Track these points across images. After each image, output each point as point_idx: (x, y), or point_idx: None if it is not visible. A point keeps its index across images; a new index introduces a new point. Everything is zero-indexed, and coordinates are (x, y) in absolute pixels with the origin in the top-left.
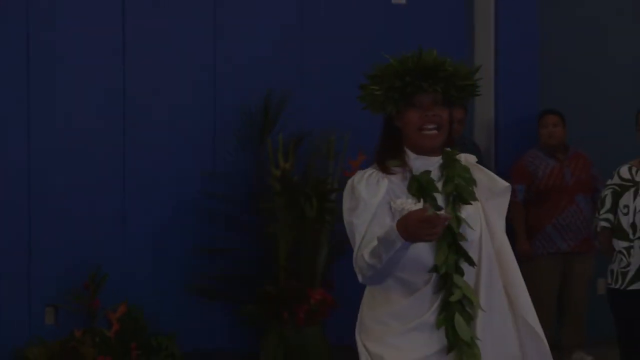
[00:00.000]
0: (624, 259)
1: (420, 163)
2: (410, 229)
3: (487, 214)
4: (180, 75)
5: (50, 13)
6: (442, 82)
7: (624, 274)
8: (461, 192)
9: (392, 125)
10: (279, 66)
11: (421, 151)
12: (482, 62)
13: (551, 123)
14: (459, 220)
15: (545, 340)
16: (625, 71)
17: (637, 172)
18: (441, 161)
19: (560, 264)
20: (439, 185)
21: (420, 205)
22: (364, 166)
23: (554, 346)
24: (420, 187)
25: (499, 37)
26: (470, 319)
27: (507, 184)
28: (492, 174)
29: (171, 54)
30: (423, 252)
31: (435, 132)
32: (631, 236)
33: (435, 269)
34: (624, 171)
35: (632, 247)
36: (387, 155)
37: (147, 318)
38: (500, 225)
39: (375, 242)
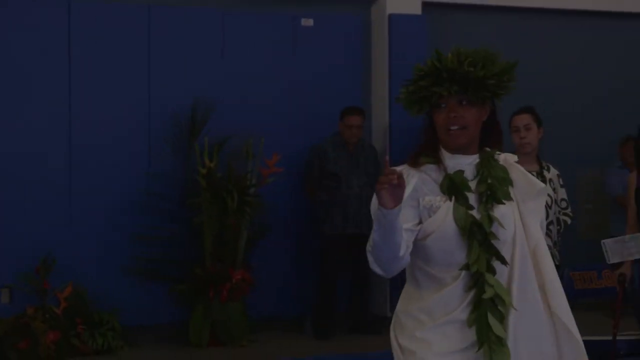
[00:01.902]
0: None
1: (455, 162)
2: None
3: (523, 214)
4: (118, 89)
5: None
6: (458, 84)
7: None
8: (495, 192)
9: (431, 125)
10: (204, 79)
11: (454, 150)
12: (378, 74)
13: None
14: (490, 219)
15: (580, 340)
16: (520, 89)
17: None
18: (478, 160)
19: None
20: (473, 184)
21: (450, 203)
22: (278, 165)
23: None
24: (451, 185)
25: (392, 53)
26: (502, 317)
27: (543, 185)
28: (529, 175)
29: (111, 70)
30: (454, 248)
31: (459, 131)
32: None
33: (466, 266)
34: None
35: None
36: (422, 152)
37: (91, 297)
38: (536, 226)
39: None
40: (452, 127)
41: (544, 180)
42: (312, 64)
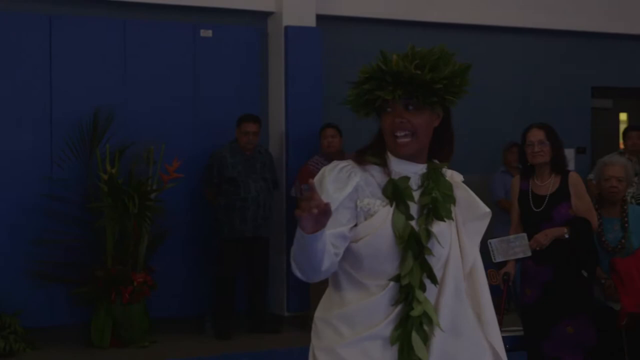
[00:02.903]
0: None
1: (401, 168)
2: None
3: (461, 234)
4: (20, 96)
5: None
6: (403, 88)
7: None
8: (437, 207)
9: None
10: (107, 86)
11: (400, 156)
12: (275, 84)
13: (330, 135)
14: (428, 234)
15: None
16: None
17: None
18: (424, 170)
19: None
20: (416, 194)
21: (390, 209)
22: (178, 171)
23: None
24: (395, 190)
25: (288, 63)
26: (426, 338)
27: (488, 209)
28: (474, 196)
29: (13, 78)
30: (385, 256)
31: (407, 139)
32: None
33: (397, 278)
34: None
35: None
36: (369, 151)
37: None
38: (474, 248)
39: None
40: (399, 133)
41: None
42: (211, 73)
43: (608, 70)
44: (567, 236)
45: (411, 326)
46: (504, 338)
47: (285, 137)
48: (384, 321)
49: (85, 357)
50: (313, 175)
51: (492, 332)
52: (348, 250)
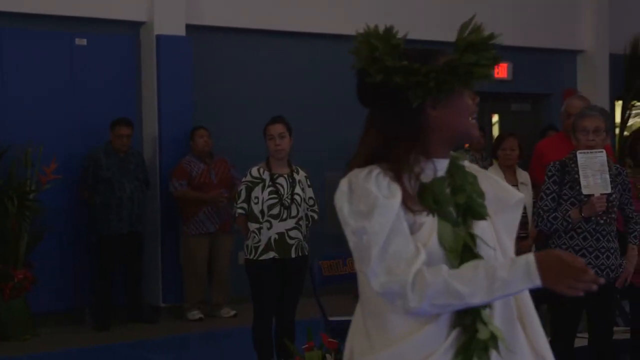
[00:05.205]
0: (256, 236)
1: (430, 167)
2: (555, 272)
3: (498, 231)
4: None
5: None
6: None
7: (256, 248)
8: (473, 205)
9: (422, 120)
10: None
11: (446, 150)
12: (148, 89)
13: (205, 135)
14: (473, 238)
15: None
16: (257, 101)
17: (263, 171)
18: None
19: (208, 240)
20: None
21: (432, 219)
22: (56, 172)
23: (207, 303)
24: (435, 198)
25: (160, 70)
26: None
27: (521, 195)
28: (503, 183)
29: None
30: None
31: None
32: (261, 220)
33: None
34: (254, 171)
35: (261, 227)
36: (407, 152)
37: None
38: (510, 244)
39: (442, 265)
40: (473, 117)
41: (294, 181)
42: (87, 79)
43: None
44: None
45: (473, 352)
46: None
47: (158, 138)
48: (440, 349)
49: None
50: (186, 173)
51: (543, 345)
52: None
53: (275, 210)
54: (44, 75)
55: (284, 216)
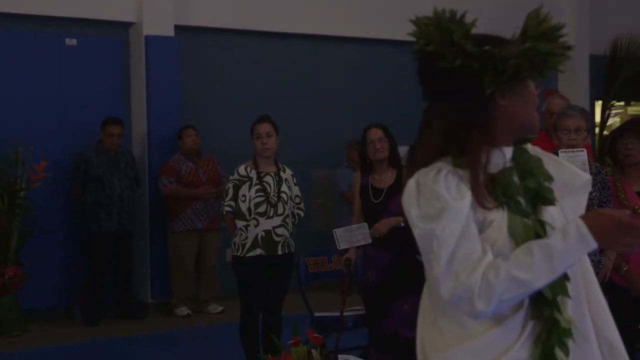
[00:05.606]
0: (243, 234)
1: (499, 156)
2: (608, 231)
3: (565, 215)
4: None
5: None
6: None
7: (243, 245)
8: (541, 190)
9: (492, 110)
10: None
11: (511, 141)
12: (137, 89)
13: (193, 134)
14: (543, 226)
15: None
16: (244, 100)
17: (250, 170)
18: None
19: (196, 237)
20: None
21: (501, 213)
22: (46, 170)
23: (194, 299)
24: (505, 190)
25: (149, 70)
26: (567, 354)
27: (588, 176)
28: (569, 165)
29: None
30: None
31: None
32: (248, 217)
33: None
34: (242, 170)
35: (248, 225)
36: (481, 143)
37: None
38: None
39: (491, 254)
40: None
41: (280, 180)
42: (77, 79)
43: None
44: (402, 224)
45: (553, 342)
46: (346, 316)
47: (147, 137)
48: (519, 341)
49: None
50: (176, 171)
51: (609, 327)
52: None
53: (262, 208)
54: (34, 75)
55: (271, 214)
